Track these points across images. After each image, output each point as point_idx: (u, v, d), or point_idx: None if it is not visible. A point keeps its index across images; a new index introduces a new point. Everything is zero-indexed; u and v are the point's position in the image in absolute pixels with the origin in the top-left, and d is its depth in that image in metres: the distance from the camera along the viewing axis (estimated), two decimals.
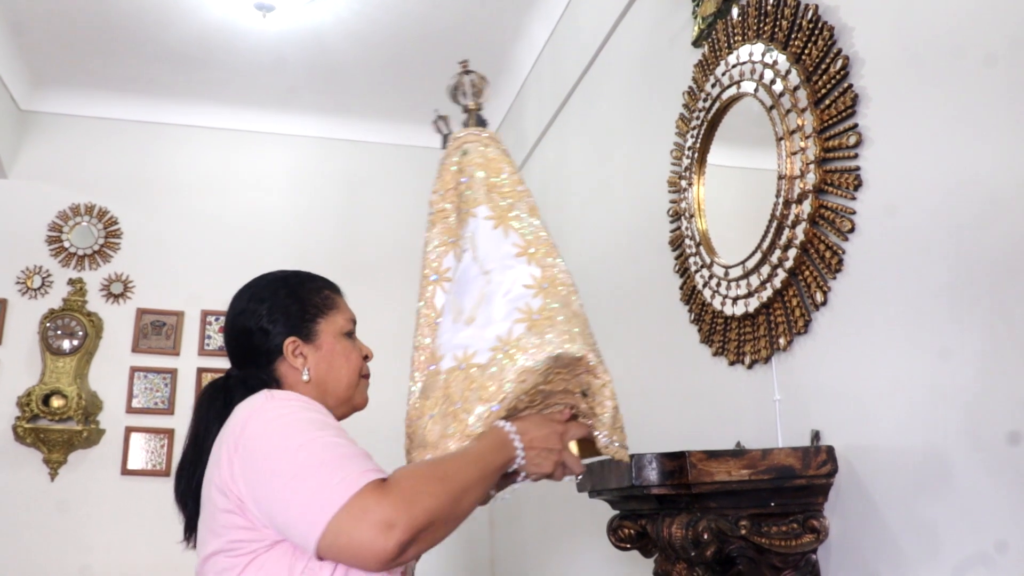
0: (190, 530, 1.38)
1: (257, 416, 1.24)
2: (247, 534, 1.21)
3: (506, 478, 1.34)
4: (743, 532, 1.51)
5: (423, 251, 1.49)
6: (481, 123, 1.54)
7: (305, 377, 1.42)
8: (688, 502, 1.53)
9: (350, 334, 1.51)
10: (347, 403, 1.47)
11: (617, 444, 1.33)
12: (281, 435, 1.20)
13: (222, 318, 4.23)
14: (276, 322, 1.44)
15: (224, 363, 4.37)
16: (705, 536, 1.48)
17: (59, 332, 4.01)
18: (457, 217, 1.46)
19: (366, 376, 1.53)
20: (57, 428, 3.86)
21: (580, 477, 1.37)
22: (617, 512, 1.79)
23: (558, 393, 1.33)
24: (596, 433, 1.34)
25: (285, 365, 1.43)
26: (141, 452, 4.03)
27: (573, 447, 1.35)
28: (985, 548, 1.27)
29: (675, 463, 1.48)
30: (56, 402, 3.88)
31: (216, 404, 1.38)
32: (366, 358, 1.53)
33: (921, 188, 1.44)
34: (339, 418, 1.44)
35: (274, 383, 1.41)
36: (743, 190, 2.07)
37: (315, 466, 1.14)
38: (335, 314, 1.49)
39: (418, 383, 1.42)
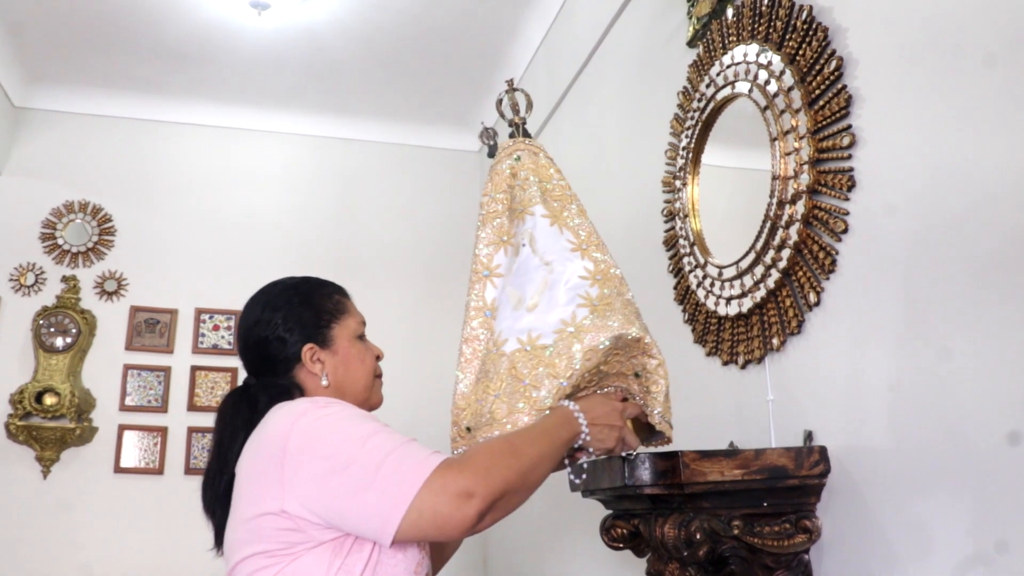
0: (220, 536, 1.39)
1: (304, 421, 1.26)
2: (293, 536, 1.23)
3: (572, 456, 1.44)
4: (736, 532, 1.51)
5: (473, 248, 1.59)
6: (526, 135, 1.67)
7: (324, 382, 1.46)
8: (681, 502, 1.53)
9: (362, 336, 1.55)
10: (364, 404, 1.51)
11: (667, 421, 1.46)
12: (340, 432, 1.24)
13: (216, 316, 4.26)
14: (292, 330, 1.47)
15: (217, 361, 4.36)
16: (698, 536, 1.48)
17: (52, 329, 4.00)
18: (509, 217, 1.57)
19: (379, 376, 1.58)
20: (50, 426, 3.85)
21: (634, 453, 1.47)
22: (610, 512, 1.79)
23: (612, 375, 1.46)
24: (648, 409, 1.46)
25: (303, 371, 1.47)
26: (134, 450, 4.03)
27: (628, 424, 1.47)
28: (981, 549, 1.27)
29: (668, 463, 1.48)
30: (49, 400, 3.87)
31: (241, 413, 1.41)
32: (378, 358, 1.57)
33: (914, 189, 1.44)
34: None
35: (296, 389, 1.44)
36: (737, 190, 2.07)
37: (386, 453, 1.20)
38: (347, 318, 1.53)
39: (467, 372, 1.51)
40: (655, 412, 1.46)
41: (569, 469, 1.47)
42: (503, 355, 1.44)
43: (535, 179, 1.58)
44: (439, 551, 1.61)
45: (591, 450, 1.42)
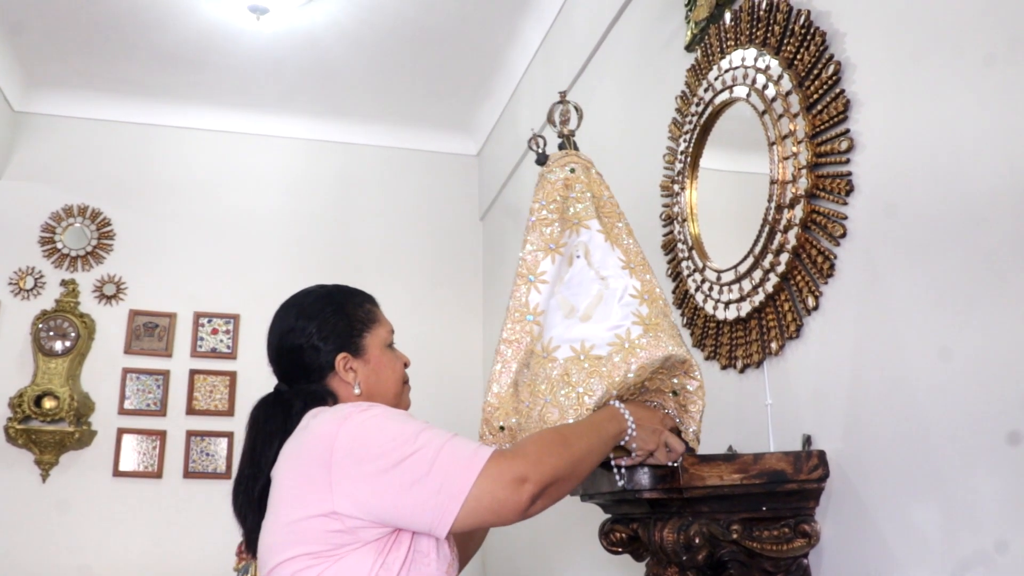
0: (252, 541, 1.42)
1: (349, 424, 1.29)
2: (341, 537, 1.26)
3: (615, 458, 1.48)
4: (735, 536, 1.51)
5: (520, 253, 1.61)
6: (575, 147, 1.71)
7: (357, 391, 1.49)
8: (680, 506, 1.53)
9: (391, 344, 1.59)
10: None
11: (697, 438, 1.50)
12: (388, 431, 1.27)
13: (214, 320, 4.26)
14: (327, 339, 1.50)
15: (216, 364, 4.36)
16: (697, 540, 1.48)
17: (51, 333, 4.00)
18: (561, 226, 1.59)
19: (406, 382, 1.61)
20: (49, 429, 3.85)
21: (679, 460, 1.49)
22: (609, 516, 1.79)
23: (652, 391, 1.50)
24: (683, 427, 1.50)
25: (336, 379, 1.50)
26: (133, 454, 4.03)
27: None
28: (981, 552, 1.27)
29: (667, 467, 1.48)
30: (48, 403, 3.87)
31: (276, 419, 1.43)
32: (405, 365, 1.61)
33: (913, 193, 1.44)
34: None
35: (330, 396, 1.47)
36: (735, 194, 2.07)
37: (438, 447, 1.24)
38: (378, 327, 1.57)
39: (504, 374, 1.56)
40: (690, 430, 1.50)
41: (614, 470, 1.51)
42: (555, 360, 1.48)
43: (589, 194, 1.61)
44: (463, 550, 1.66)
45: (634, 449, 1.45)
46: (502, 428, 1.49)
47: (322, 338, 1.50)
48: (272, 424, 1.43)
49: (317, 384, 1.49)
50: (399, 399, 1.57)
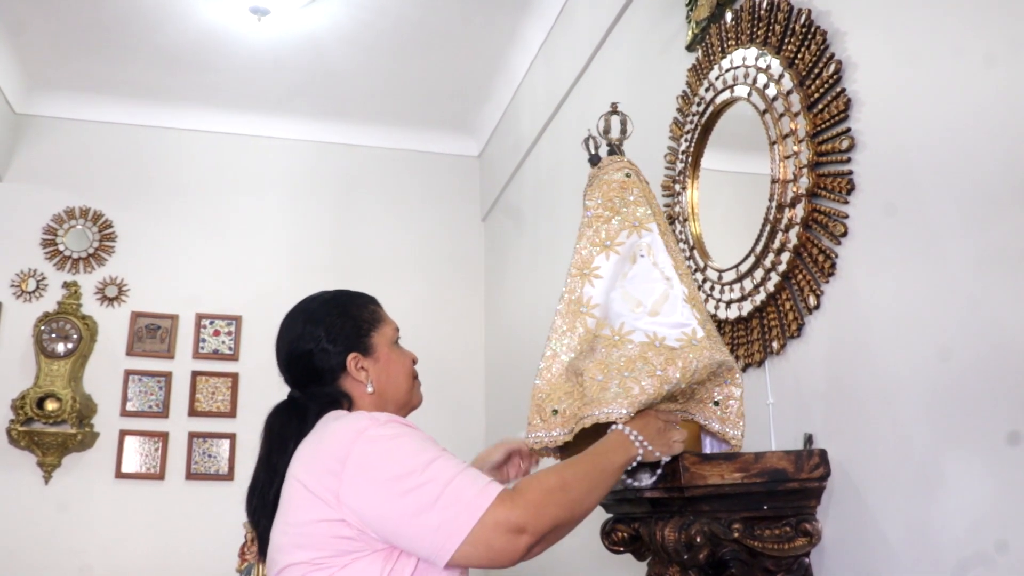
0: (264, 544, 1.43)
1: (365, 438, 1.31)
2: (349, 544, 1.28)
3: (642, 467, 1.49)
4: (736, 535, 1.51)
5: (574, 248, 1.66)
6: (623, 154, 1.76)
7: (370, 389, 1.52)
8: (681, 505, 1.53)
9: (397, 342, 1.62)
10: (406, 406, 1.60)
11: (739, 436, 1.54)
12: (402, 456, 1.29)
13: (216, 321, 4.27)
14: (335, 341, 1.53)
15: (218, 366, 4.35)
16: (698, 539, 1.48)
17: (53, 335, 4.01)
18: (619, 225, 1.63)
19: (416, 377, 1.65)
20: (51, 431, 3.85)
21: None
22: (611, 515, 1.79)
23: (691, 401, 1.55)
24: (725, 432, 1.53)
25: (348, 380, 1.52)
26: (135, 455, 4.03)
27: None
28: (983, 552, 1.27)
29: (668, 466, 1.48)
30: (50, 405, 3.87)
31: (292, 425, 1.46)
32: (414, 362, 1.64)
33: (913, 192, 1.44)
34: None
35: (344, 398, 1.50)
36: (736, 194, 2.07)
37: (445, 482, 1.25)
38: (383, 326, 1.61)
39: (553, 362, 1.59)
40: (731, 432, 1.53)
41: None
42: (631, 343, 1.51)
43: (645, 199, 1.66)
44: None
45: (656, 458, 1.45)
46: (555, 412, 1.52)
47: (331, 340, 1.53)
48: (287, 430, 1.46)
49: (330, 387, 1.52)
50: (411, 395, 1.61)
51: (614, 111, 1.76)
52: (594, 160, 1.75)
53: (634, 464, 1.41)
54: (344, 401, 1.50)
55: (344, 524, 1.28)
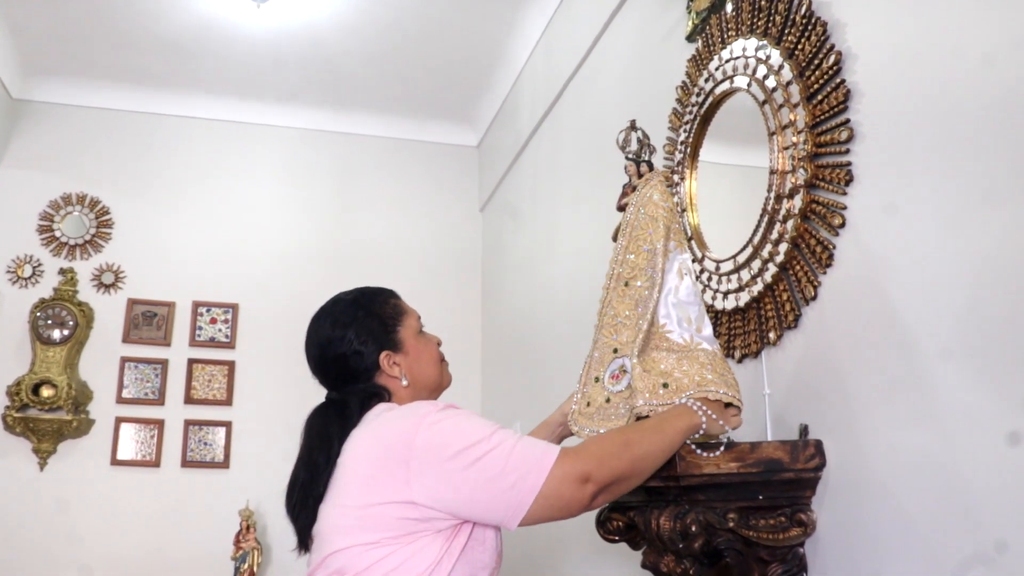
0: (304, 537, 1.49)
1: (429, 421, 1.38)
2: (415, 525, 1.36)
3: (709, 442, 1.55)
4: (731, 525, 1.51)
5: (616, 252, 1.71)
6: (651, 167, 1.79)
7: (404, 383, 1.61)
8: (677, 494, 1.53)
9: (422, 330, 1.70)
10: (439, 388, 1.70)
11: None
12: (465, 431, 1.37)
13: (213, 309, 4.26)
14: (366, 342, 1.61)
15: (214, 354, 4.35)
16: (693, 528, 1.48)
17: (49, 322, 4.00)
18: (666, 237, 1.65)
19: (443, 360, 1.73)
20: (47, 418, 3.85)
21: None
22: (606, 505, 1.79)
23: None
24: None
25: (383, 376, 1.61)
26: (131, 443, 4.03)
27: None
28: (976, 543, 1.27)
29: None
30: (46, 392, 3.87)
31: (334, 423, 1.51)
32: (438, 344, 1.72)
33: (913, 184, 1.44)
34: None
35: (384, 392, 1.58)
36: (735, 186, 2.07)
37: (510, 448, 1.35)
38: (407, 318, 1.69)
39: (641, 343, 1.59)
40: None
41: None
42: (704, 351, 1.58)
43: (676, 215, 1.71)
44: None
45: (717, 435, 1.53)
46: (665, 385, 1.54)
47: (362, 343, 1.60)
48: (330, 428, 1.50)
49: (366, 383, 1.59)
50: (441, 378, 1.71)
51: (633, 128, 1.79)
52: (624, 147, 1.78)
53: (699, 433, 1.49)
54: (385, 394, 1.57)
55: (412, 506, 1.34)
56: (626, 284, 1.66)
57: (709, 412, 1.49)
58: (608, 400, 1.59)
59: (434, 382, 1.68)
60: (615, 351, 1.63)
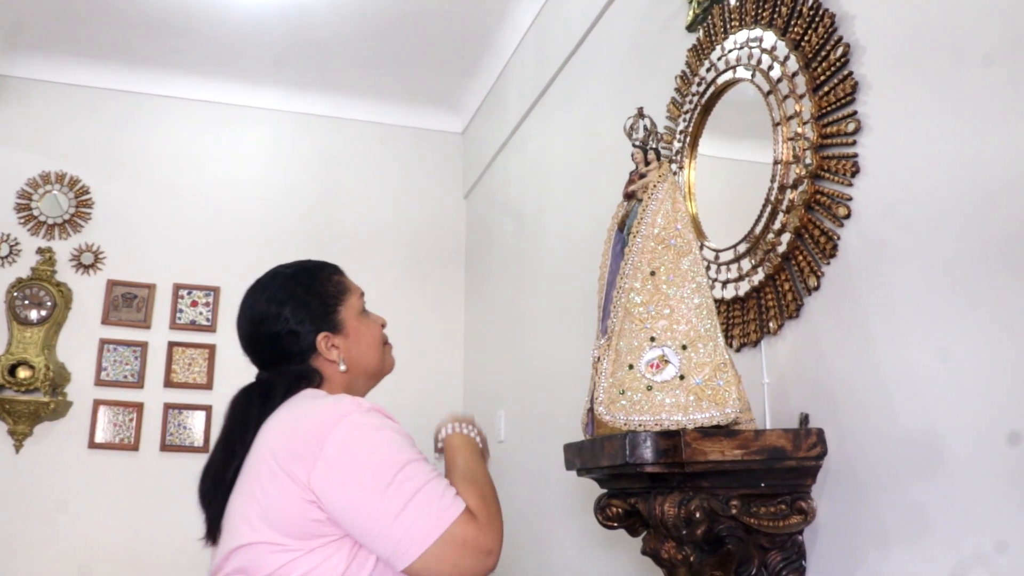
0: (213, 527, 1.40)
1: (350, 423, 1.30)
2: (319, 528, 1.27)
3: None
4: (733, 512, 1.52)
5: (632, 248, 1.64)
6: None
7: (343, 368, 1.50)
8: (680, 480, 1.54)
9: (364, 310, 1.58)
10: (379, 374, 1.59)
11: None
12: (379, 453, 1.29)
13: (194, 292, 4.21)
14: (303, 322, 1.49)
15: (195, 337, 4.29)
16: (697, 515, 1.49)
17: (27, 302, 3.94)
18: (684, 226, 1.61)
19: (387, 343, 1.61)
20: (23, 399, 3.79)
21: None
22: (605, 491, 1.80)
23: None
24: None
25: (319, 359, 1.50)
26: (109, 426, 3.98)
27: None
28: (974, 535, 1.29)
29: (670, 441, 1.48)
30: (22, 373, 3.81)
31: (254, 406, 1.42)
32: (382, 326, 1.60)
33: (920, 177, 1.45)
34: (373, 388, 1.59)
35: (315, 375, 1.47)
36: (735, 177, 2.08)
37: (417, 488, 1.27)
38: (349, 297, 1.57)
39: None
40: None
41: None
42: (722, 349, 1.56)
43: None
44: None
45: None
46: (682, 377, 1.51)
47: (298, 322, 1.49)
48: (250, 412, 1.42)
49: (299, 365, 1.48)
50: (383, 363, 1.59)
51: (641, 115, 1.77)
52: (630, 133, 1.77)
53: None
54: (316, 377, 1.47)
55: (314, 506, 1.27)
56: (652, 273, 1.59)
57: (480, 444, 1.59)
58: (650, 388, 1.52)
59: (375, 367, 1.57)
60: (652, 339, 1.55)
